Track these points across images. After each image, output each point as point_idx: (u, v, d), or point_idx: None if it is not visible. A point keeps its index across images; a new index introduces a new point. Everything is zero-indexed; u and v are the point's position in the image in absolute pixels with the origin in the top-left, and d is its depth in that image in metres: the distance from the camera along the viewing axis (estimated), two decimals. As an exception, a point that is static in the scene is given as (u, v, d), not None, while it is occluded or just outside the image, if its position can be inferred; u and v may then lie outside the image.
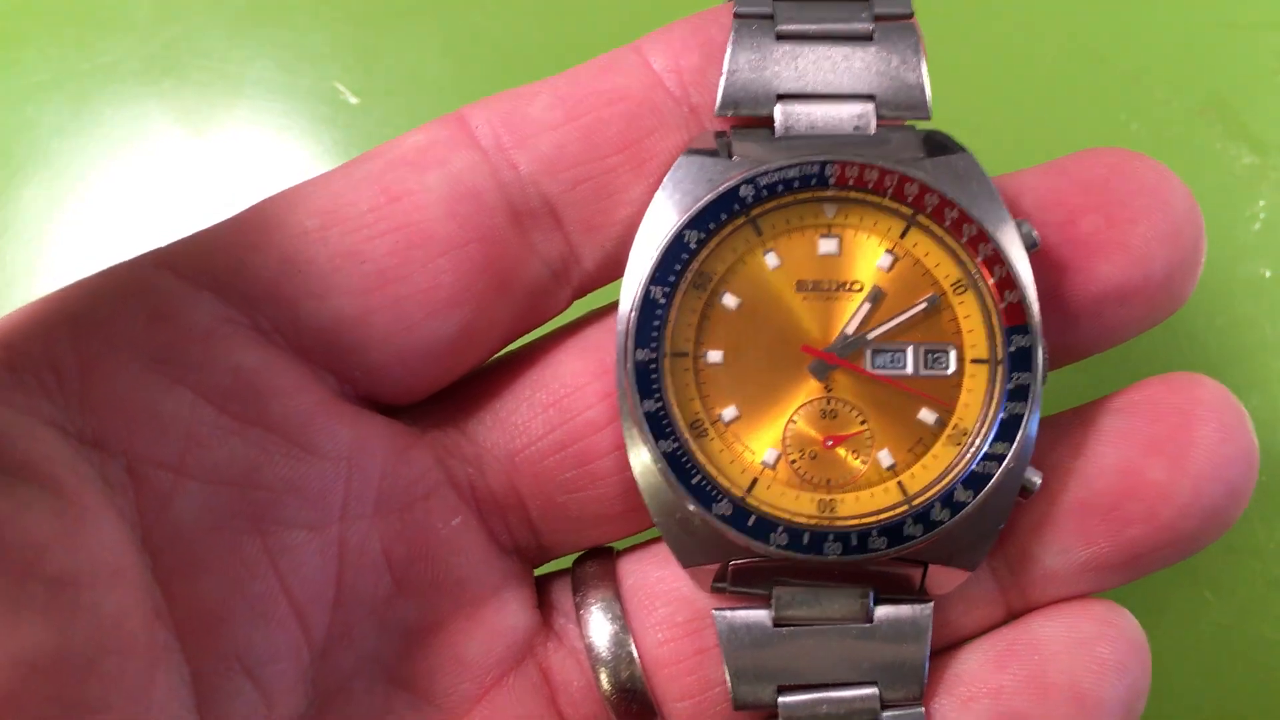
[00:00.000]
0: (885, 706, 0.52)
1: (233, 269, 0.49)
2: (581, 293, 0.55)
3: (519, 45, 0.74)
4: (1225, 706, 0.68)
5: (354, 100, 0.74)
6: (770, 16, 0.52)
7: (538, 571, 0.57)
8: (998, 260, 0.50)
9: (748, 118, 0.52)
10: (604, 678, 0.53)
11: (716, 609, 0.52)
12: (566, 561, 0.57)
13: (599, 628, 0.53)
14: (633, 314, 0.51)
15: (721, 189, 0.50)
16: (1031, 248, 0.50)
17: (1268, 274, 0.70)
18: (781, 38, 0.52)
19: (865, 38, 0.52)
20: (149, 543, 0.46)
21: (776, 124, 0.52)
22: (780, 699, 0.52)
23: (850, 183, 0.51)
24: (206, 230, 0.50)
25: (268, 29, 0.74)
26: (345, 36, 0.74)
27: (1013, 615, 0.54)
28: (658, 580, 0.54)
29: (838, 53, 0.52)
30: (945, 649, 0.54)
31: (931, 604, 0.52)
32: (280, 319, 0.49)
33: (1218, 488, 0.51)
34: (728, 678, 0.51)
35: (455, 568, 0.52)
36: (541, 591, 0.56)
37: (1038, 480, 0.50)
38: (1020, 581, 0.53)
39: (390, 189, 0.50)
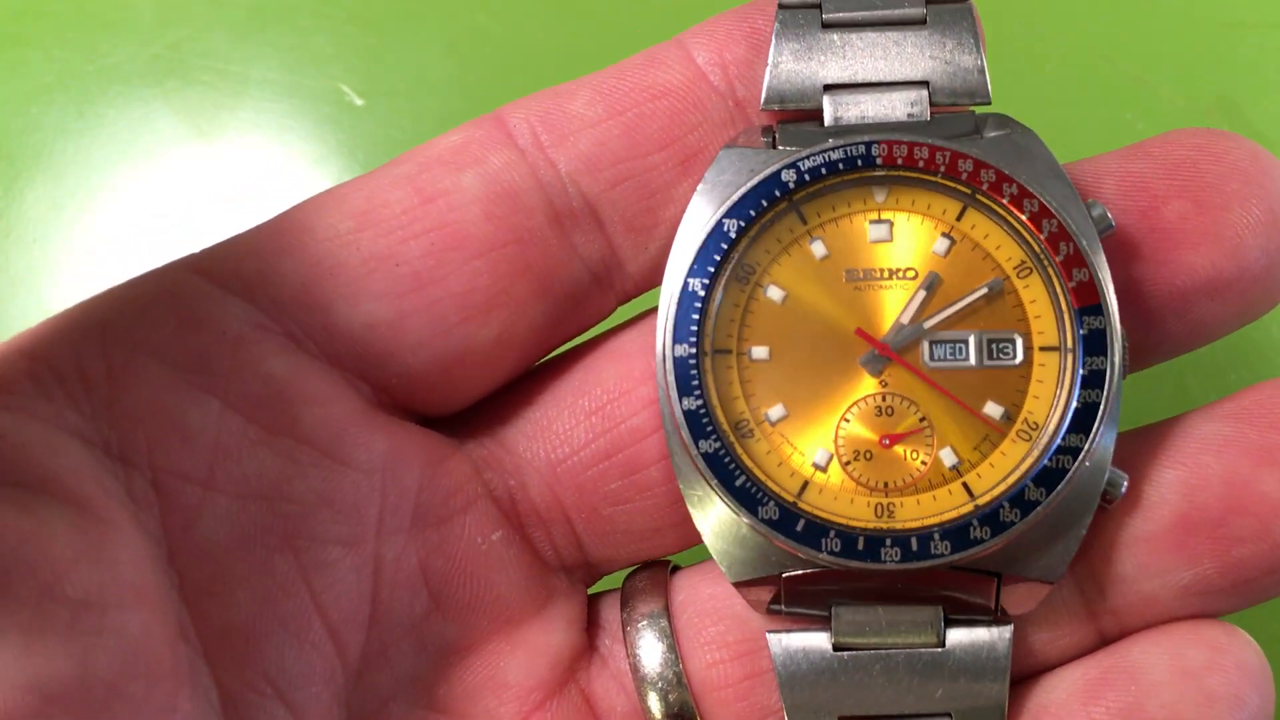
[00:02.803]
0: None
1: (263, 273, 0.48)
2: (626, 298, 0.53)
3: (523, 47, 0.74)
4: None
5: (359, 102, 0.74)
6: (817, 5, 0.50)
7: (592, 590, 0.55)
8: (1064, 236, 0.48)
9: (795, 111, 0.50)
10: (652, 700, 0.50)
11: (771, 631, 0.49)
12: (620, 580, 0.55)
13: (647, 647, 0.51)
14: (671, 308, 0.49)
15: (762, 175, 0.49)
16: (1105, 230, 0.48)
17: (1275, 273, 0.71)
18: (828, 26, 0.50)
19: (918, 22, 0.50)
20: (175, 560, 0.45)
21: (825, 116, 0.50)
22: None
23: (899, 162, 0.48)
24: (240, 235, 0.49)
25: (272, 31, 0.74)
26: (350, 38, 0.74)
27: (1107, 644, 0.50)
28: (709, 597, 0.51)
29: (888, 39, 0.50)
30: (1029, 678, 0.50)
31: (1011, 626, 0.48)
32: (312, 325, 0.48)
33: None
34: (783, 708, 0.48)
35: (496, 585, 0.51)
36: (589, 610, 0.54)
37: (1124, 481, 0.47)
38: (1114, 606, 0.49)
39: (425, 189, 0.49)
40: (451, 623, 0.50)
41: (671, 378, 0.48)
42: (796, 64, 0.50)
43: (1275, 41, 0.73)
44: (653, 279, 0.52)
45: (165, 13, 0.74)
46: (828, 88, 0.50)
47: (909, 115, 0.49)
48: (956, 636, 0.48)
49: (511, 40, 0.74)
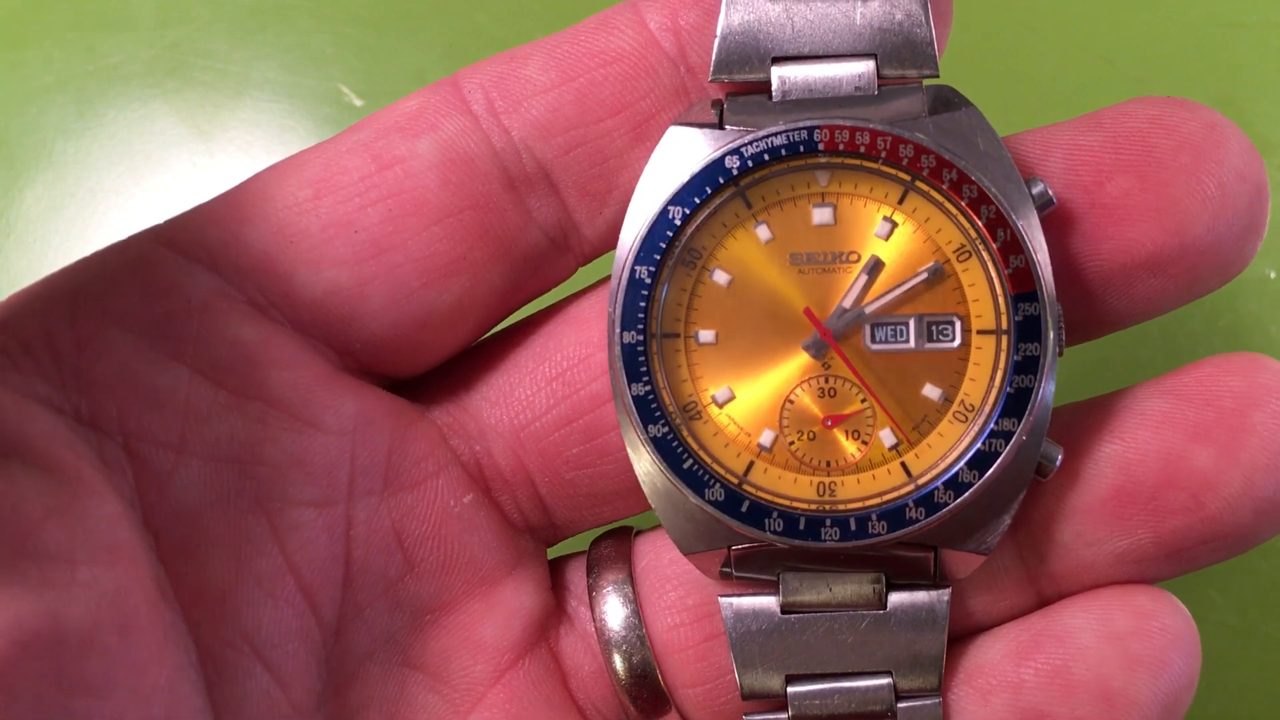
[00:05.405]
0: (900, 697, 0.50)
1: (226, 242, 0.49)
2: (585, 260, 0.54)
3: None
4: (1230, 706, 0.68)
5: (358, 102, 0.74)
6: None
7: (553, 552, 0.56)
8: (1001, 223, 0.48)
9: (743, 83, 0.50)
10: (616, 662, 0.52)
11: (723, 595, 0.50)
12: (583, 543, 0.56)
13: (612, 610, 0.53)
14: (619, 295, 0.49)
15: (706, 160, 0.49)
16: (1045, 208, 0.48)
17: (1273, 274, 0.70)
18: None
19: None
20: (150, 522, 0.46)
21: (772, 88, 0.49)
22: (789, 689, 0.50)
23: (841, 147, 0.48)
24: (203, 205, 0.50)
25: (272, 31, 0.75)
26: (349, 38, 0.74)
27: (1046, 606, 0.51)
28: (670, 562, 0.53)
29: (837, 10, 0.49)
30: (969, 637, 0.52)
31: (949, 590, 0.50)
32: (275, 291, 0.49)
33: (1275, 480, 0.47)
34: (734, 666, 0.50)
35: (469, 546, 0.52)
36: (555, 573, 0.55)
37: (1057, 458, 0.48)
38: (1053, 571, 0.50)
39: (381, 156, 0.50)
40: (426, 583, 0.51)
41: (620, 364, 0.49)
42: (745, 36, 0.49)
43: (1275, 42, 0.72)
44: (610, 241, 0.52)
45: (165, 13, 0.75)
46: (775, 59, 0.49)
47: (856, 89, 0.49)
48: (897, 599, 0.50)
49: (511, 40, 0.74)
